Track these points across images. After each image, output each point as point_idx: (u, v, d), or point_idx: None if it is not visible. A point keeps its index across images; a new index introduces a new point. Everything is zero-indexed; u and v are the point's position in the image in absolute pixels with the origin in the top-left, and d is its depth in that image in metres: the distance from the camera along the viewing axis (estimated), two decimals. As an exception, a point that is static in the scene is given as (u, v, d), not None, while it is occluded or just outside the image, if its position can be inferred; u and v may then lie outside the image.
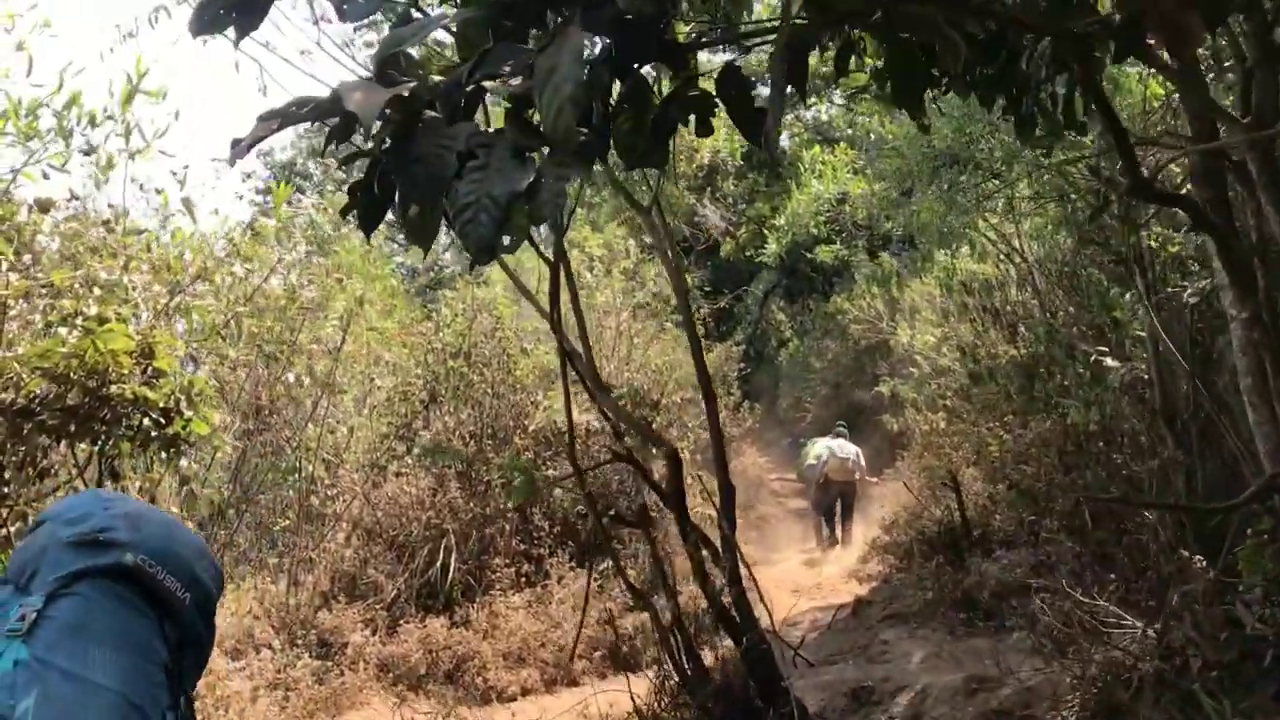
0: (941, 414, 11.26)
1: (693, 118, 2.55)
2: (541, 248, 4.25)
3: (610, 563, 9.51)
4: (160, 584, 1.64)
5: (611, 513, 4.48)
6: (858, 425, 18.93)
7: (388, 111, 2.36)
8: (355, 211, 2.62)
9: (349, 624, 7.77)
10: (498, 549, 9.13)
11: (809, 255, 22.09)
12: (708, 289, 22.26)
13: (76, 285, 5.01)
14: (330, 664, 7.39)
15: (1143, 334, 6.91)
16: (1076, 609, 4.13)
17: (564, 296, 4.23)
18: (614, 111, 2.51)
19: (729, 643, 4.48)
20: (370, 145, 2.61)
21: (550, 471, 10.04)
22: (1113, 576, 4.41)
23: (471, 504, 9.22)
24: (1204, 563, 3.47)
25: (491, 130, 2.30)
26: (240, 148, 2.24)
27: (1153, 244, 6.80)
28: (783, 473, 23.34)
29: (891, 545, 10.39)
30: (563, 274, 3.86)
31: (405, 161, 2.28)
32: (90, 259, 5.35)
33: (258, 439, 8.21)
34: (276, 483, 8.63)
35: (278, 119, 2.29)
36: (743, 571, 4.30)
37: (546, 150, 2.25)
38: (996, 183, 7.59)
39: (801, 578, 11.61)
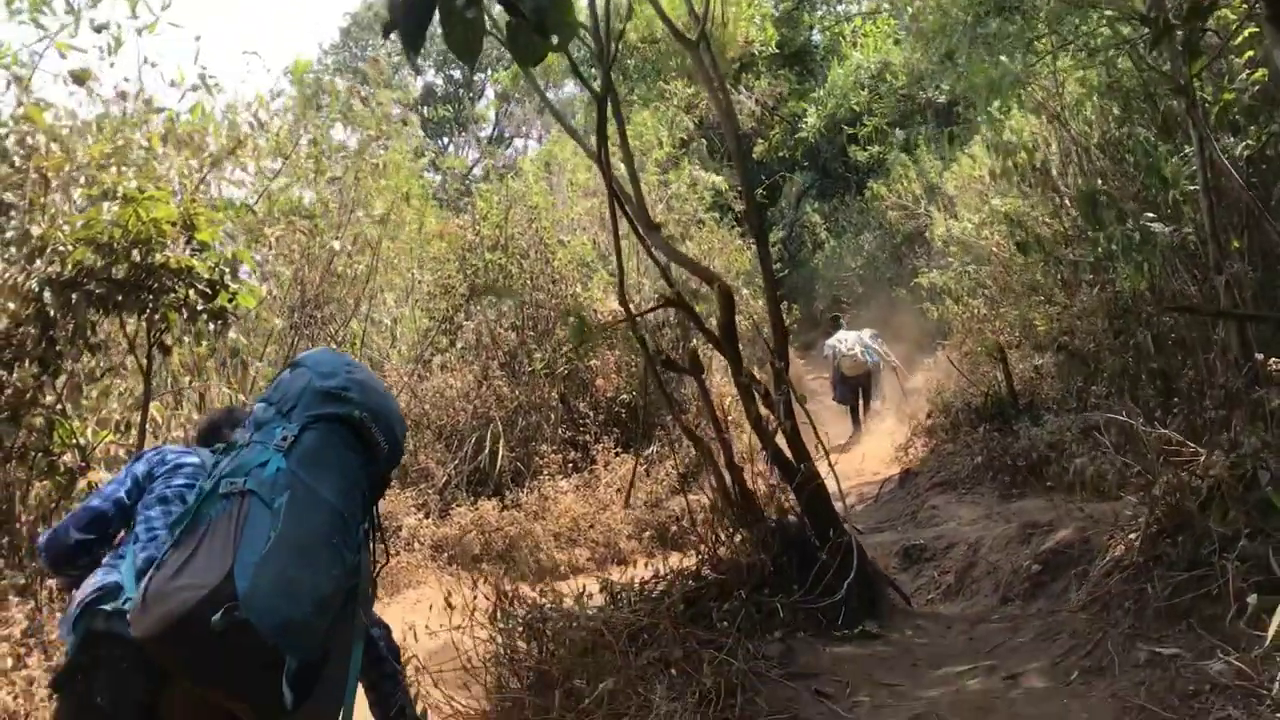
0: (982, 300, 11.12)
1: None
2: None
3: (655, 449, 9.64)
4: (373, 435, 2.35)
5: (663, 358, 4.43)
6: (894, 320, 18.83)
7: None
8: (397, 31, 2.55)
9: (402, 508, 7.86)
10: (544, 436, 9.19)
11: (846, 154, 21.73)
12: (740, 190, 21.97)
13: (114, 159, 4.98)
14: (385, 546, 7.48)
15: (1194, 188, 6.73)
16: (1139, 440, 4.07)
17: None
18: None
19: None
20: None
21: (594, 362, 10.06)
22: (1176, 400, 4.33)
23: (516, 393, 9.26)
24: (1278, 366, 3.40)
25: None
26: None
27: (1206, 98, 6.60)
28: (821, 373, 23.38)
29: (935, 426, 10.35)
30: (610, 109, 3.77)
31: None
32: (114, 135, 5.30)
33: (304, 333, 8.23)
34: (325, 378, 8.67)
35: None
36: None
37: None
38: (1043, 31, 7.37)
39: (843, 465, 11.61)
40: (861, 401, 13.89)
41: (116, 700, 2.21)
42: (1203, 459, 3.69)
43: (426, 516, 7.93)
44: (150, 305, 4.86)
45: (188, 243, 4.88)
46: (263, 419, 2.35)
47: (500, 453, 8.77)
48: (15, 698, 4.13)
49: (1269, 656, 2.76)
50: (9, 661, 4.19)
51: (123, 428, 5.33)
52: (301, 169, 7.33)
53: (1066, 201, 8.89)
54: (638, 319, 4.35)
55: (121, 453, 5.34)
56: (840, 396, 13.92)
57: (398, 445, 2.47)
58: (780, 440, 4.17)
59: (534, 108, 23.30)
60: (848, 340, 13.61)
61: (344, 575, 2.17)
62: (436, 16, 2.39)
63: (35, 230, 4.55)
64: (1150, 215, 7.09)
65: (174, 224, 4.77)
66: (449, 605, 3.79)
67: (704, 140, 15.93)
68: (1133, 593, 3.56)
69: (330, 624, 2.12)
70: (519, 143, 29.30)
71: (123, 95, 6.10)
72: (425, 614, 6.78)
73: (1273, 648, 2.76)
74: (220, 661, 2.01)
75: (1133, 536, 3.88)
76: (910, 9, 9.67)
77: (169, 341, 5.17)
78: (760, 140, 22.93)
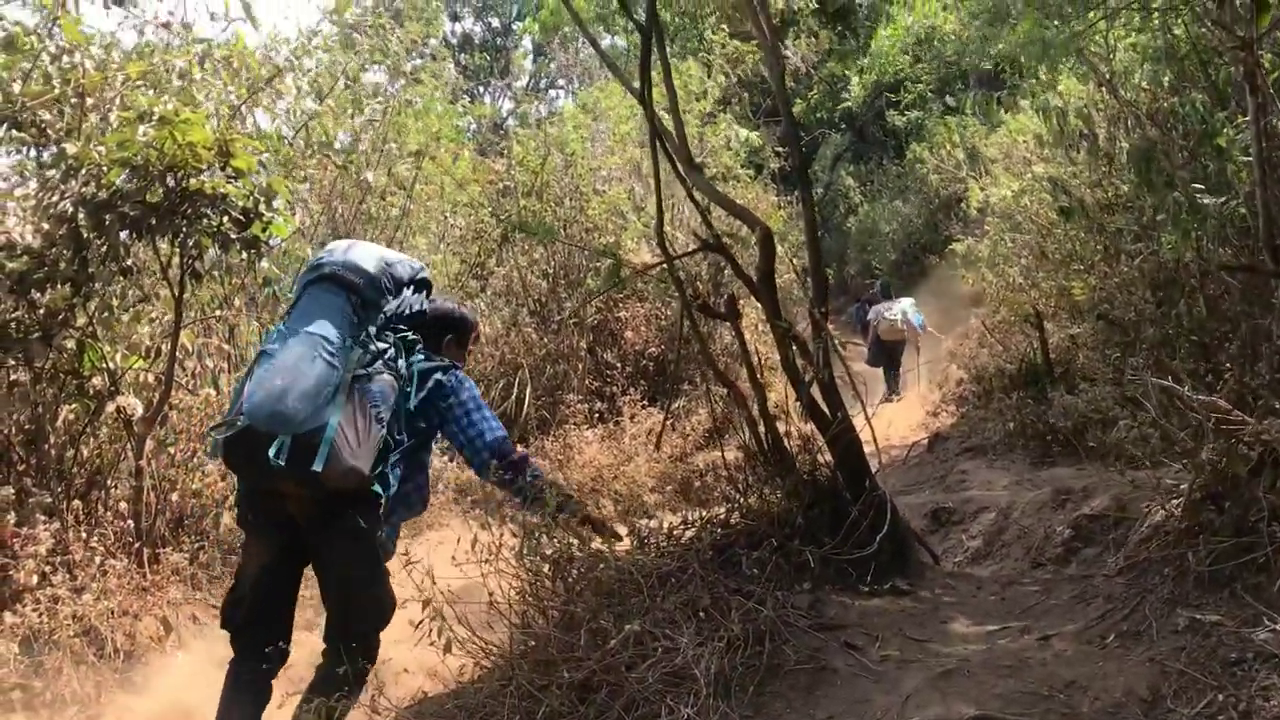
0: (1018, 269, 10.95)
1: None
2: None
3: (682, 404, 9.58)
4: (344, 277, 3.24)
5: (699, 303, 4.35)
6: (926, 288, 18.63)
7: None
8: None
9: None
10: (571, 386, 9.16)
11: (883, 118, 21.42)
12: (777, 150, 21.72)
13: (153, 78, 4.93)
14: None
15: (1248, 159, 6.55)
16: (1183, 407, 3.95)
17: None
18: None
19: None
20: None
21: (623, 314, 10.00)
22: (1227, 366, 4.22)
23: (545, 340, 9.22)
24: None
25: None
26: None
27: (1265, 65, 6.40)
28: (850, 338, 23.24)
29: (965, 393, 10.24)
30: (654, 44, 3.67)
31: None
32: (151, 57, 5.24)
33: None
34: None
35: None
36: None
37: None
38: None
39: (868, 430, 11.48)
40: (890, 366, 14.35)
41: (256, 516, 3.29)
42: (1253, 425, 3.58)
43: (451, 460, 7.90)
44: (184, 231, 4.83)
45: (223, 169, 4.82)
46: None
47: (527, 400, 8.74)
48: (40, 615, 4.14)
49: (1318, 626, 2.68)
50: (34, 579, 4.21)
51: (153, 354, 5.31)
52: (339, 105, 7.23)
53: (1112, 168, 8.70)
54: (674, 264, 4.27)
55: (150, 378, 5.34)
56: (872, 360, 14.50)
57: (369, 275, 3.26)
58: (815, 391, 4.09)
59: (571, 55, 23.05)
60: (893, 307, 14.17)
61: (332, 374, 3.05)
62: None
63: (70, 149, 4.51)
64: (1198, 186, 6.91)
65: (210, 149, 4.71)
66: (474, 545, 3.75)
67: (744, 95, 15.70)
68: (1173, 559, 3.47)
69: (325, 405, 3.01)
70: (554, 93, 29.09)
71: (166, 25, 6.04)
72: (448, 554, 6.81)
73: (1322, 617, 2.68)
74: (247, 460, 3.07)
75: (1174, 503, 3.79)
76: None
77: (201, 269, 5.14)
78: (798, 100, 22.66)
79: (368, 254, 3.33)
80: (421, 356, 3.45)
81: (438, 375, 3.44)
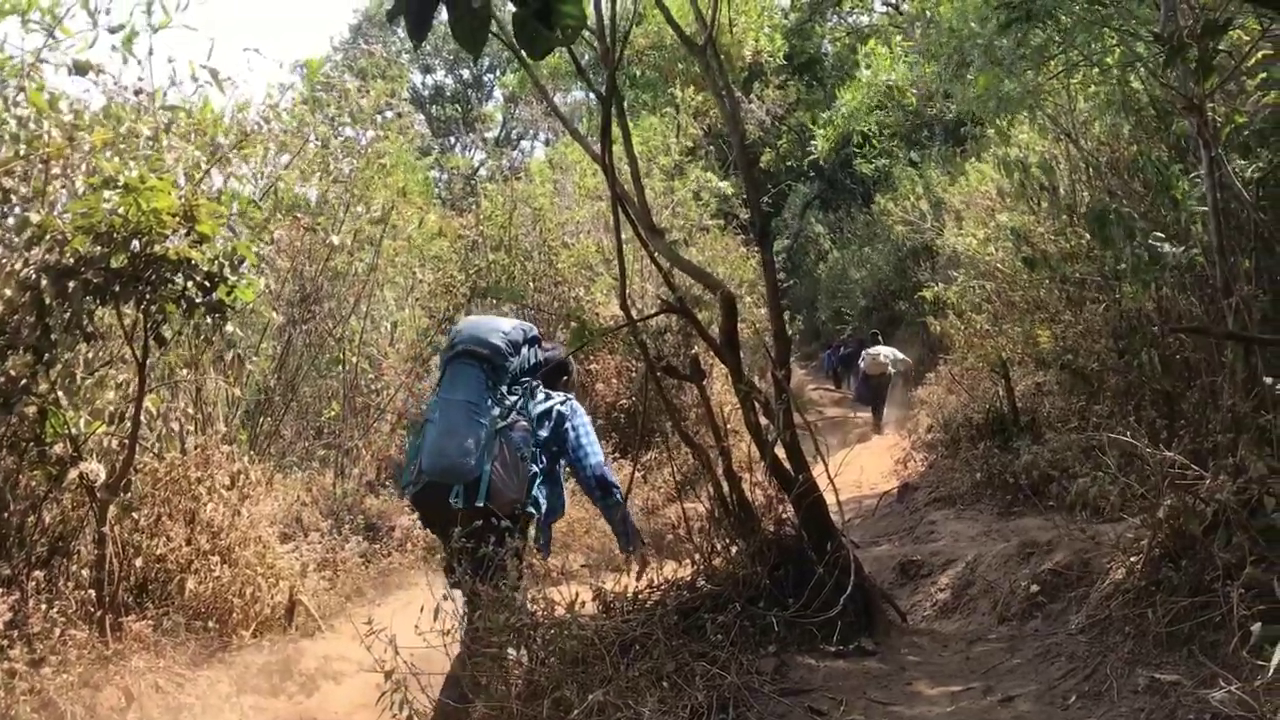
0: (985, 315, 11.06)
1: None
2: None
3: (652, 455, 9.58)
4: (475, 350, 4.03)
5: (664, 364, 4.38)
6: (897, 334, 18.82)
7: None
8: (402, 16, 2.51)
9: (395, 509, 7.79)
10: (541, 440, 9.13)
11: (851, 165, 21.66)
12: (746, 197, 21.94)
13: (119, 144, 4.93)
14: (378, 546, 7.42)
15: (1204, 209, 6.67)
16: (1143, 461, 4.00)
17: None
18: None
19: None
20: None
21: (594, 366, 10.01)
22: (1182, 423, 4.27)
23: (514, 395, 9.20)
24: (1286, 388, 3.34)
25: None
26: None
27: (1218, 119, 6.54)
28: (821, 383, 23.41)
29: (934, 441, 10.28)
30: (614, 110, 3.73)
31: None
32: (118, 124, 5.24)
33: (301, 328, 8.18)
34: (321, 374, 8.64)
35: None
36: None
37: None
38: (1056, 50, 7.28)
39: (841, 478, 11.45)
40: (876, 401, 15.92)
41: (438, 531, 4.11)
42: (1207, 483, 3.62)
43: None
44: (148, 296, 4.81)
45: (188, 234, 4.82)
46: None
47: (496, 455, 8.70)
48: (-4, 690, 4.06)
49: (1272, 687, 2.70)
50: (-9, 653, 4.13)
51: (116, 419, 5.27)
52: (308, 166, 7.25)
53: (1074, 219, 8.83)
54: (639, 324, 4.31)
55: (114, 444, 5.28)
56: (859, 395, 16.52)
57: (493, 345, 4.05)
58: (779, 451, 4.12)
59: (542, 110, 23.27)
60: (880, 350, 15.85)
61: (481, 429, 3.92)
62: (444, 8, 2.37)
63: (34, 217, 4.50)
64: (1158, 235, 7.02)
65: (174, 215, 4.71)
66: (436, 615, 3.74)
67: (712, 148, 15.88)
68: (1133, 617, 3.50)
69: (481, 455, 3.87)
70: (525, 144, 29.29)
71: (137, 92, 6.04)
72: (414, 615, 6.73)
73: (1276, 678, 2.71)
74: (435, 506, 3.94)
75: (1134, 560, 3.82)
76: (919, 28, 9.62)
77: (166, 334, 5.12)
78: (767, 149, 22.92)
79: (489, 327, 4.17)
80: (542, 396, 4.30)
81: (557, 408, 4.28)
